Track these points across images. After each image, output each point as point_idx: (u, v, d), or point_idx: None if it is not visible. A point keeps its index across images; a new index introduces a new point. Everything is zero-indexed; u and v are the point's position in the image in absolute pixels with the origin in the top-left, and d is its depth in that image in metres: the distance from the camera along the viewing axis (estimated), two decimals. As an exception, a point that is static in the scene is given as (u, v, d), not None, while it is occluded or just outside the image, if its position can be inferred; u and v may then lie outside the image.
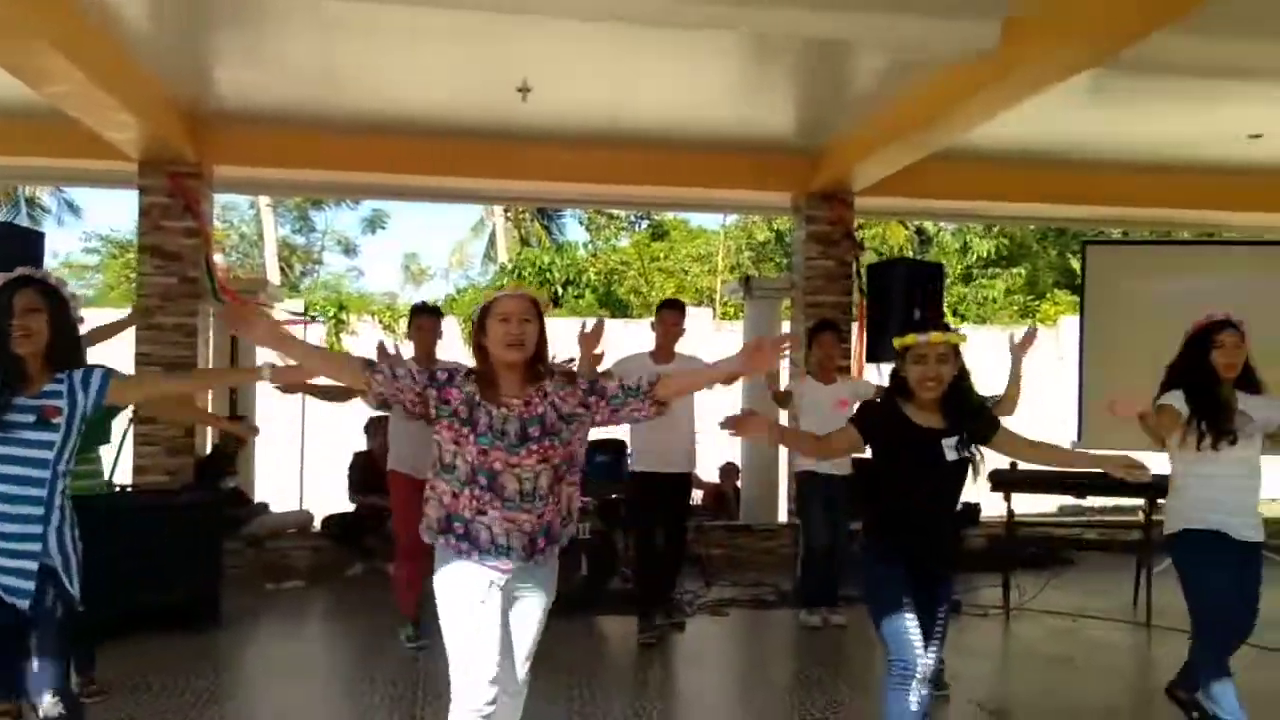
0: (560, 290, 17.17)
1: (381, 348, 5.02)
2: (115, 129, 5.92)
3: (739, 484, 8.98)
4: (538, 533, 2.82)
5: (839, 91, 6.20)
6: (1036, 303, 18.84)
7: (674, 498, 5.64)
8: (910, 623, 3.15)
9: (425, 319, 5.37)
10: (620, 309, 19.84)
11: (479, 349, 2.84)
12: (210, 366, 7.32)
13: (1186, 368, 3.84)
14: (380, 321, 11.37)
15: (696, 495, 9.52)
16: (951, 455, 3.18)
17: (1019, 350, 4.29)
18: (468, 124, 6.80)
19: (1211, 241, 9.31)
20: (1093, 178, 7.85)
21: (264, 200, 22.38)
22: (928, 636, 3.20)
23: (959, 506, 4.72)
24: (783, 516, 8.17)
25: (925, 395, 3.19)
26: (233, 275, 23.15)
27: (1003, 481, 6.28)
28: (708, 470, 9.71)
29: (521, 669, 2.96)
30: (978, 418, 3.27)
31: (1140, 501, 6.49)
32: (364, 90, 6.23)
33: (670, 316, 5.62)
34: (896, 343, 3.28)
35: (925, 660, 3.14)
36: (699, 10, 4.76)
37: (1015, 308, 18.80)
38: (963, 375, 3.25)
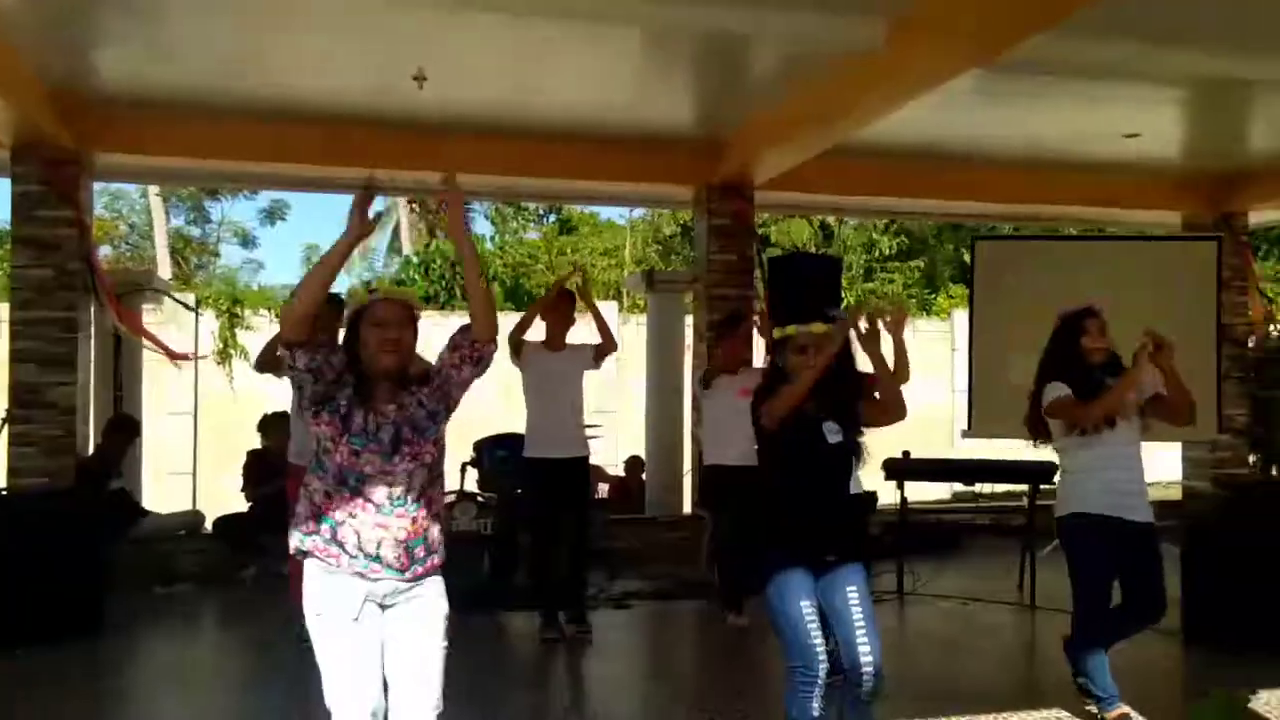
0: (469, 283, 16.95)
1: None
2: (-18, 113, 5.63)
3: (644, 476, 9.02)
4: (414, 541, 2.70)
5: (737, 87, 6.27)
6: (933, 296, 19.40)
7: (570, 485, 5.49)
8: (810, 624, 3.08)
9: (326, 309, 5.25)
10: (527, 302, 19.72)
11: (352, 355, 2.74)
12: (92, 363, 7.03)
13: (1060, 356, 4.01)
14: (277, 316, 11.03)
15: (602, 489, 9.56)
16: (833, 438, 3.20)
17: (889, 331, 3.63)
18: (364, 113, 6.65)
19: (1094, 237, 9.73)
20: (984, 174, 8.12)
21: (154, 190, 21.52)
22: (848, 626, 3.11)
23: (859, 493, 4.85)
24: (687, 508, 8.24)
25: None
26: (120, 265, 22.30)
27: (896, 470, 6.45)
28: (613, 464, 9.75)
29: (428, 713, 2.74)
30: (847, 398, 3.28)
31: (1026, 487, 6.75)
32: (256, 76, 6.04)
33: (567, 305, 5.64)
34: (776, 333, 3.30)
35: (825, 665, 3.05)
36: (596, 3, 4.77)
37: (915, 301, 19.30)
38: (841, 362, 3.26)
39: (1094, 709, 4.05)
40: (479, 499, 6.50)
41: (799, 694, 3.08)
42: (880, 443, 5.23)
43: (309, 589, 2.70)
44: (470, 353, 2.77)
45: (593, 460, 9.33)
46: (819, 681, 3.05)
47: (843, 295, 8.13)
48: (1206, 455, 8.87)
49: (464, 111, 6.66)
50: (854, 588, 3.15)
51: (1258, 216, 9.18)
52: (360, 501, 2.67)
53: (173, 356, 6.94)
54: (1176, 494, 9.11)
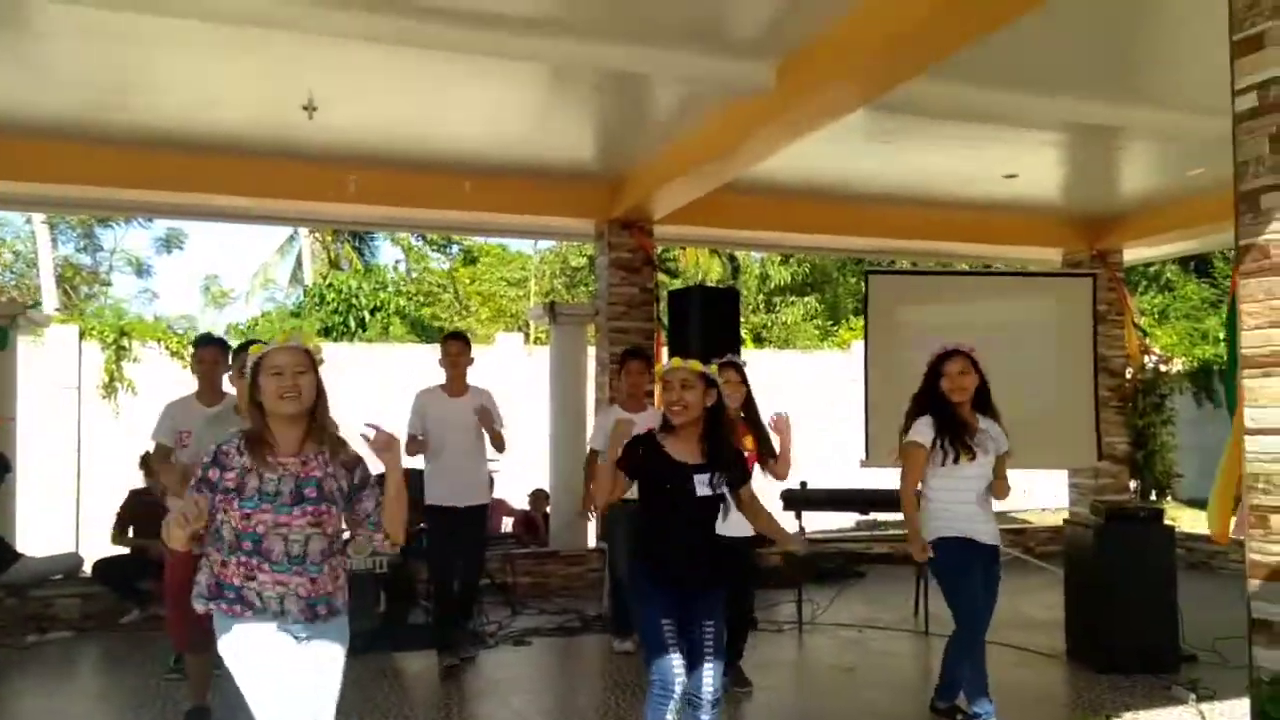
0: (367, 316, 16.71)
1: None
2: None
3: (549, 510, 8.95)
4: (316, 600, 2.76)
5: (636, 122, 6.33)
6: (835, 327, 19.85)
7: (469, 529, 5.66)
8: (669, 644, 3.26)
9: (205, 351, 5.12)
10: (432, 334, 19.45)
11: (254, 405, 2.78)
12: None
13: (923, 396, 4.35)
14: (168, 348, 10.65)
15: (507, 523, 9.45)
16: (702, 491, 3.29)
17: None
18: (255, 142, 6.50)
19: (979, 272, 10.10)
20: (874, 211, 8.38)
21: (39, 217, 20.64)
22: (698, 655, 3.28)
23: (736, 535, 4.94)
24: (591, 542, 8.20)
25: (675, 421, 3.32)
26: (3, 294, 21.25)
27: (793, 500, 6.54)
28: (517, 497, 9.65)
29: None
30: (732, 463, 3.39)
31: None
32: (138, 103, 5.83)
33: (454, 348, 5.67)
34: (658, 370, 3.47)
35: (682, 680, 3.24)
36: (491, 39, 4.77)
37: (818, 332, 19.74)
38: (721, 412, 3.38)
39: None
40: (374, 536, 6.33)
41: (654, 705, 3.27)
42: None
43: (221, 636, 2.76)
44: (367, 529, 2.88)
45: (497, 494, 9.31)
46: (673, 695, 3.24)
47: (739, 328, 8.28)
48: (1090, 482, 9.26)
49: (360, 141, 6.58)
50: (711, 622, 3.35)
51: (1132, 253, 9.68)
52: (257, 561, 2.71)
53: None
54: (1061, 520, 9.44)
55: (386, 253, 25.59)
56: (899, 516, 8.98)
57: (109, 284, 27.15)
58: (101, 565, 6.76)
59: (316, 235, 23.46)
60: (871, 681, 5.35)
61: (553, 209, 7.74)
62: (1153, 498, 9.69)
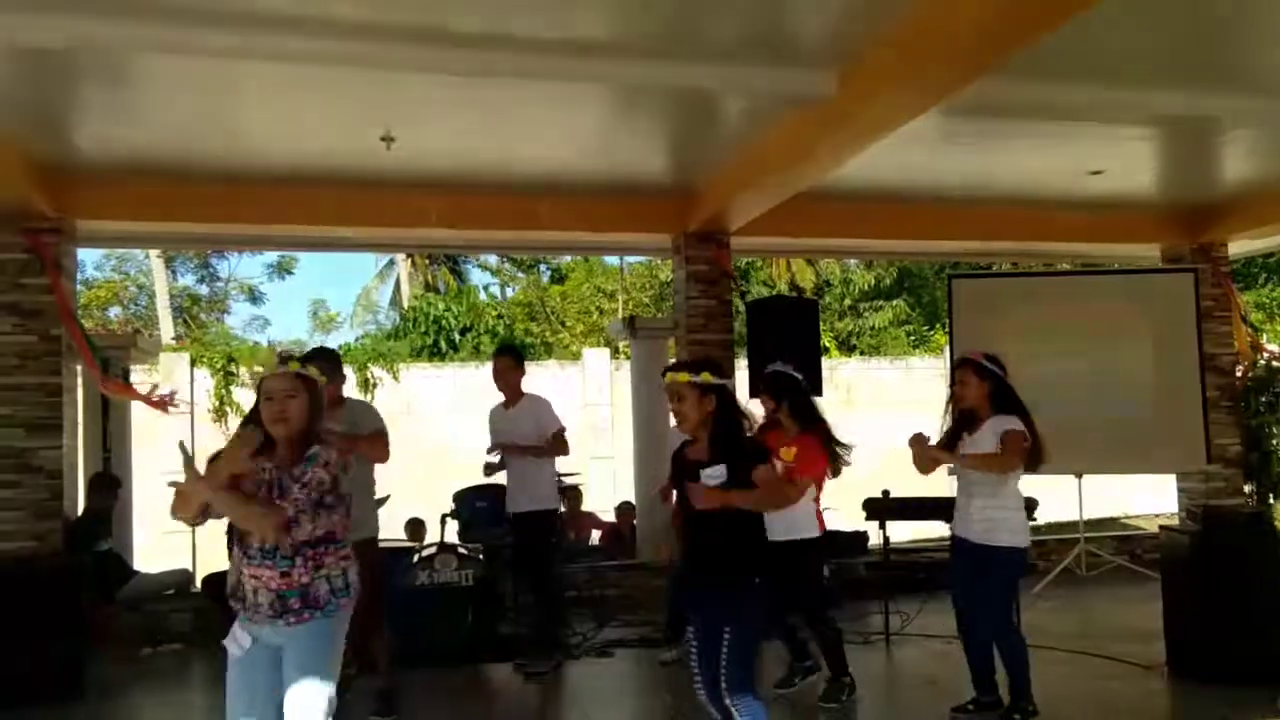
0: (458, 337, 17.17)
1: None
2: (-37, 185, 5.75)
3: (635, 522, 9.00)
4: (287, 593, 2.96)
5: (705, 137, 6.36)
6: (930, 331, 19.41)
7: (531, 534, 5.85)
8: (691, 648, 3.57)
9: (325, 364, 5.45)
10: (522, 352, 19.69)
11: (260, 423, 3.08)
12: (80, 426, 7.10)
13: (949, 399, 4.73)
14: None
15: (595, 536, 9.55)
16: (709, 482, 3.41)
17: None
18: (341, 173, 6.77)
19: (1071, 272, 9.78)
20: (959, 213, 8.16)
21: (155, 252, 21.83)
22: (715, 653, 3.42)
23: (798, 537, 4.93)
24: (679, 553, 8.22)
25: (679, 429, 3.61)
26: (130, 325, 22.50)
27: (876, 509, 6.44)
28: (605, 510, 9.75)
29: None
30: (741, 453, 3.48)
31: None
32: (229, 141, 6.15)
33: (498, 364, 5.96)
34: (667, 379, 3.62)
35: (699, 686, 3.49)
36: (557, 65, 4.88)
37: (910, 338, 19.36)
38: (727, 412, 3.51)
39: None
40: (460, 550, 6.49)
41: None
42: (876, 482, 5.47)
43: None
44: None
45: (586, 507, 9.41)
46: (701, 695, 3.53)
47: (820, 336, 8.20)
48: (1199, 486, 8.83)
49: (439, 168, 6.77)
50: (729, 628, 3.40)
51: (1237, 246, 9.21)
52: (242, 555, 3.01)
53: (158, 404, 6.93)
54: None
55: (480, 274, 26.16)
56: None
57: (227, 311, 28.51)
58: (209, 581, 7.09)
59: (413, 261, 24.16)
60: (954, 694, 5.21)
61: (628, 225, 7.82)
62: (1270, 501, 9.18)
